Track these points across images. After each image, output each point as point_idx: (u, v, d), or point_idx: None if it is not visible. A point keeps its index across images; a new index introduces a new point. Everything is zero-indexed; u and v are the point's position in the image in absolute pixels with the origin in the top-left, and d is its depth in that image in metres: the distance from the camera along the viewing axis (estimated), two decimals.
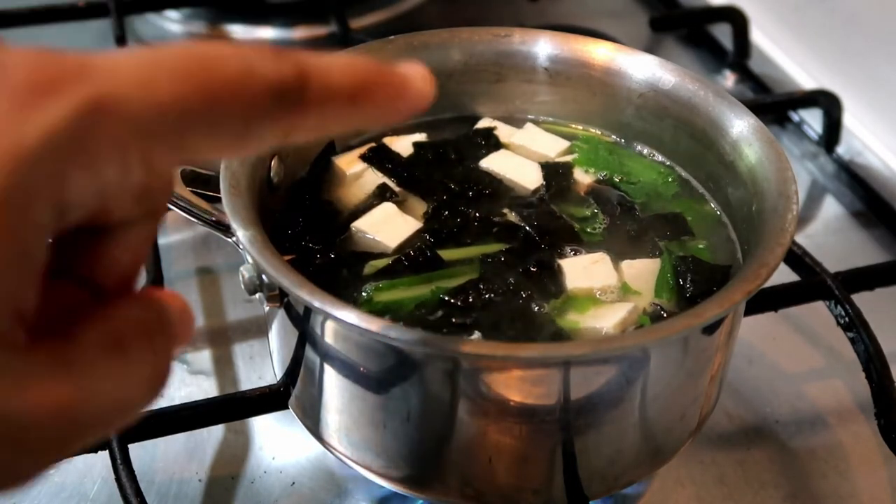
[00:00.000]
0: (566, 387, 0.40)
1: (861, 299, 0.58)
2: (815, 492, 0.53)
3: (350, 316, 0.38)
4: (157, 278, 0.59)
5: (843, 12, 0.82)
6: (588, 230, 0.50)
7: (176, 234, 0.68)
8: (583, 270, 0.46)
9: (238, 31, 0.92)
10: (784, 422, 0.56)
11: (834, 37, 0.83)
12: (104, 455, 0.48)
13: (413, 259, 0.46)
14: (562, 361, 0.40)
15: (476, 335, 0.42)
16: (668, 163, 0.54)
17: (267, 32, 0.92)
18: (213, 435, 0.54)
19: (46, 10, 0.85)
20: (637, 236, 0.49)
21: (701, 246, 0.49)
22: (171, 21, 0.94)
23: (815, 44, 0.86)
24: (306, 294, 0.39)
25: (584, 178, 0.53)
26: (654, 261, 0.48)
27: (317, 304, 0.38)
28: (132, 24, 0.91)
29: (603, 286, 0.46)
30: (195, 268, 0.66)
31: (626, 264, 0.47)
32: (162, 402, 0.55)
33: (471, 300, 0.44)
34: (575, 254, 0.48)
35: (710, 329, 0.43)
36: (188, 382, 0.58)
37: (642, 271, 0.47)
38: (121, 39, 0.81)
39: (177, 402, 0.53)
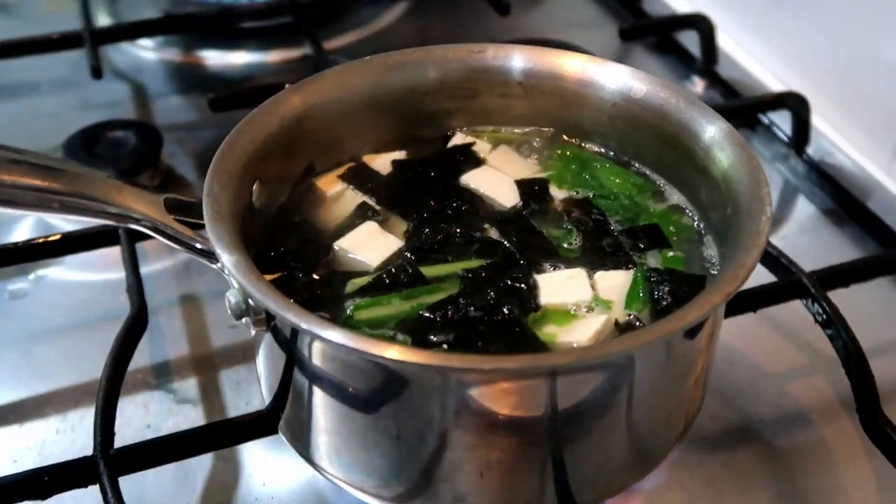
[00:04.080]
0: (553, 397, 0.41)
1: (837, 296, 0.59)
2: (803, 488, 0.53)
3: (337, 336, 0.38)
4: (140, 307, 0.59)
5: (807, 15, 0.83)
6: (564, 246, 0.50)
7: (158, 262, 0.68)
8: (558, 286, 0.47)
9: (212, 56, 0.93)
10: (768, 421, 0.57)
11: (799, 39, 0.85)
12: (94, 489, 0.48)
13: (394, 276, 0.47)
14: (548, 371, 0.40)
15: (455, 350, 0.43)
16: (643, 171, 0.55)
17: (241, 57, 0.92)
18: (202, 464, 0.54)
19: (21, 42, 0.85)
20: (612, 251, 0.50)
21: (674, 255, 0.50)
22: (146, 49, 0.94)
23: (781, 47, 0.87)
24: (293, 316, 0.39)
25: (559, 194, 0.54)
26: (627, 273, 0.48)
27: (304, 325, 0.39)
28: (107, 54, 0.91)
29: (577, 301, 0.46)
30: (178, 295, 0.66)
31: (600, 276, 0.48)
32: (149, 433, 0.55)
33: (451, 315, 0.44)
34: (554, 269, 0.48)
35: (691, 332, 0.43)
36: (175, 412, 0.57)
37: (616, 283, 0.47)
38: (96, 70, 0.81)
39: (164, 432, 0.52)
